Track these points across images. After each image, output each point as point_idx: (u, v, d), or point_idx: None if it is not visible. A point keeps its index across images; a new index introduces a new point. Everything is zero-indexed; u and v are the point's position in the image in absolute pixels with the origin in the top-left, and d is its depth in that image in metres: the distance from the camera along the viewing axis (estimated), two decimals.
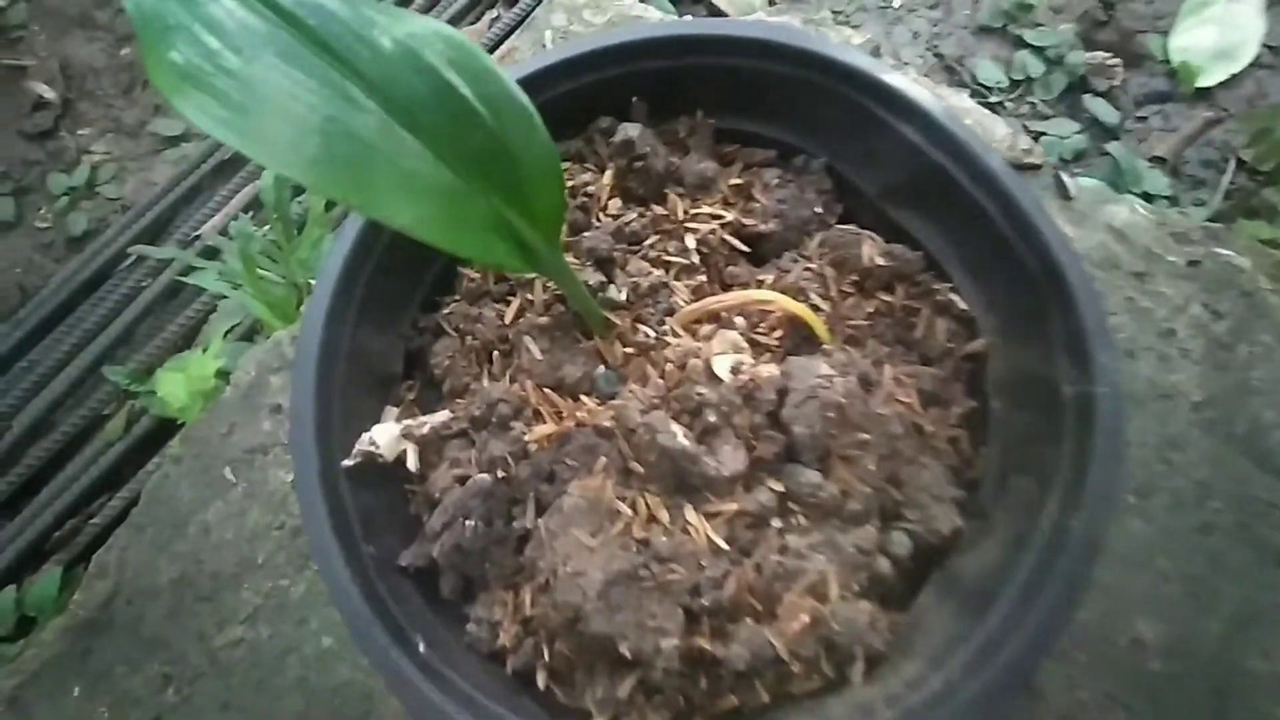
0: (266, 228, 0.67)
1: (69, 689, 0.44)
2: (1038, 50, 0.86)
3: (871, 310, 0.27)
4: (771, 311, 0.27)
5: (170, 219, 0.75)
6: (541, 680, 0.22)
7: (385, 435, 0.24)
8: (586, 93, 0.27)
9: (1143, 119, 0.86)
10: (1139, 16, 0.91)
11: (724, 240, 0.27)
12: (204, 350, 0.55)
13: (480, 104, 0.18)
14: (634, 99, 0.28)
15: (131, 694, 0.43)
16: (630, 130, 0.26)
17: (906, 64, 0.90)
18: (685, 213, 0.27)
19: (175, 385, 0.52)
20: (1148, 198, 0.79)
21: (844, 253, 0.27)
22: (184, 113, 0.16)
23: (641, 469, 0.24)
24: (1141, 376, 0.40)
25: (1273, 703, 0.34)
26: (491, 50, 0.70)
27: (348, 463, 0.23)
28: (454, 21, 0.80)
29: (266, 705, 0.42)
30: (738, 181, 0.28)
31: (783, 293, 0.27)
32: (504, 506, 0.24)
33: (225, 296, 0.60)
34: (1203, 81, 0.84)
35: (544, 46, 0.55)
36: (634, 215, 0.27)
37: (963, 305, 0.26)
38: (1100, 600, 0.36)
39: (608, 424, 0.24)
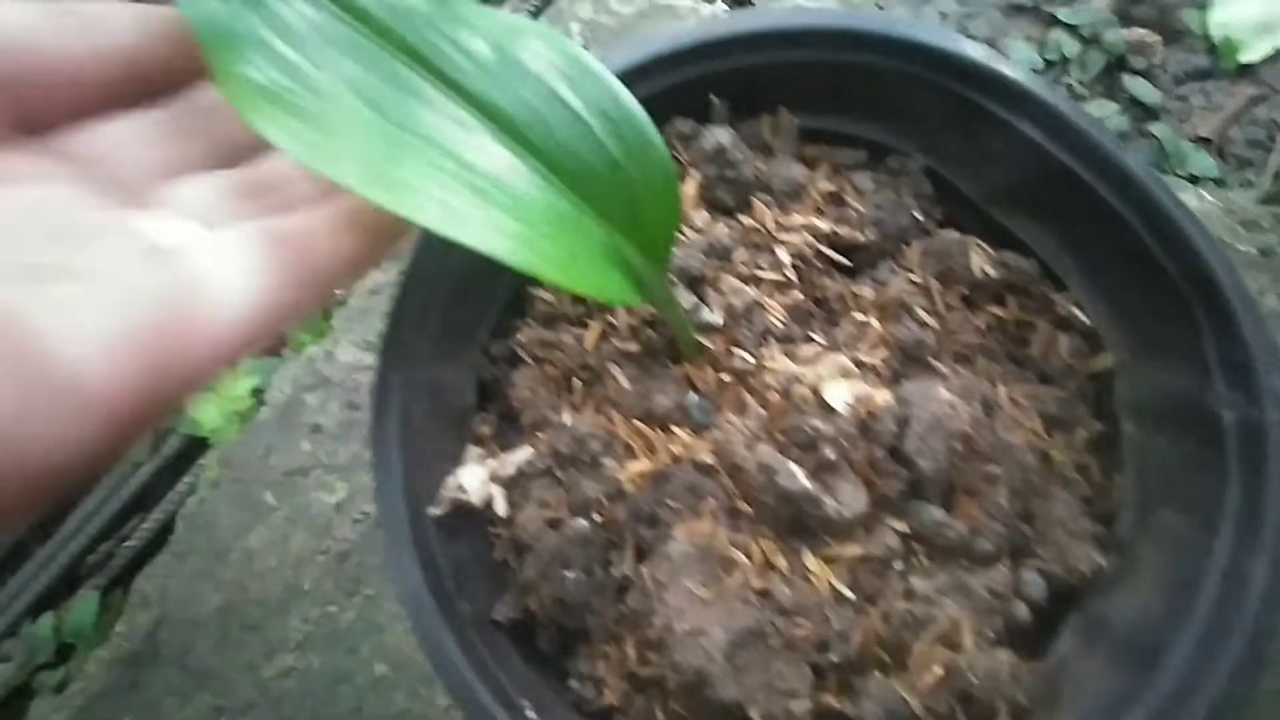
0: None
1: None
2: (1072, 28, 0.83)
3: (981, 325, 0.25)
4: (870, 327, 0.25)
5: None
6: None
7: (472, 479, 0.22)
8: (662, 94, 0.25)
9: (1183, 98, 0.83)
10: None
11: (819, 253, 0.25)
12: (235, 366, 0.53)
13: (591, 117, 0.16)
14: (713, 98, 0.26)
15: None
16: (721, 136, 0.24)
17: None
18: (776, 223, 0.25)
19: (207, 405, 0.51)
20: (1194, 180, 0.76)
21: (949, 263, 0.25)
22: (268, 137, 0.14)
23: (751, 509, 0.22)
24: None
25: None
26: None
27: (436, 512, 0.21)
28: None
29: None
30: (830, 188, 0.26)
31: (883, 308, 0.25)
32: (601, 552, 0.22)
33: None
34: (1245, 57, 0.81)
35: (572, 40, 0.53)
36: (722, 228, 0.25)
37: (1085, 318, 0.24)
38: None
39: (708, 460, 0.22)
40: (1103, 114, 0.79)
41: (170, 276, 0.14)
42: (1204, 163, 0.77)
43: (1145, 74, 0.81)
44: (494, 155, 0.15)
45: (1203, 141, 0.79)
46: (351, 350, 0.48)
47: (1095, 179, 0.22)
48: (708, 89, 0.25)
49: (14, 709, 0.55)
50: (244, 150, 0.16)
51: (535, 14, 0.60)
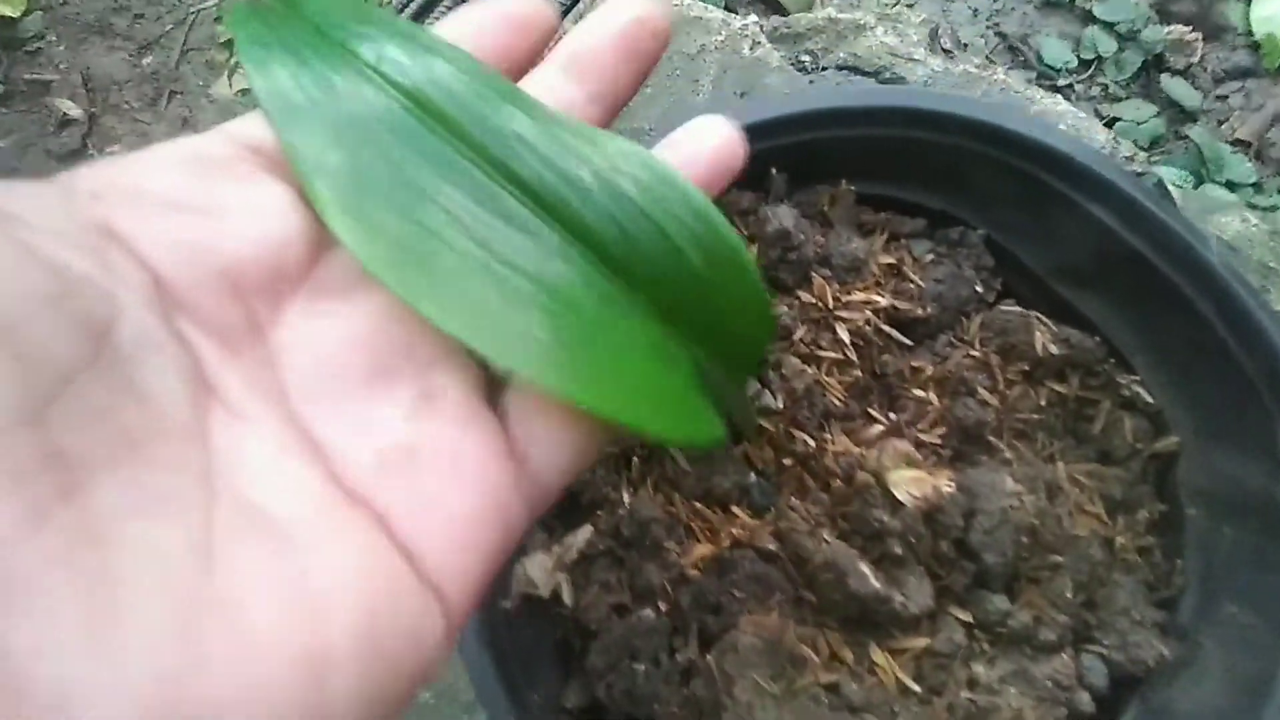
0: None
1: None
2: (1108, 25, 0.81)
3: (1042, 402, 0.25)
4: (930, 404, 0.25)
5: None
6: None
7: (538, 569, 0.22)
8: None
9: (1223, 98, 0.80)
10: None
11: (879, 329, 0.25)
12: None
13: (686, 243, 0.16)
14: (773, 171, 0.25)
15: None
16: (784, 219, 0.24)
17: (965, 44, 0.85)
18: (835, 299, 0.25)
19: None
20: (1231, 186, 0.74)
21: (1010, 339, 0.25)
22: (341, 235, 0.13)
23: (815, 599, 0.22)
24: None
25: None
26: None
27: (507, 605, 0.22)
28: None
29: None
30: (889, 261, 0.26)
31: (942, 383, 0.25)
32: (666, 639, 0.22)
33: None
34: None
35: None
36: (783, 307, 0.24)
37: (1149, 398, 0.24)
38: None
39: (770, 545, 0.23)
40: (1139, 116, 0.77)
41: (502, 439, 0.13)
42: (1241, 167, 0.75)
43: (1184, 74, 0.79)
44: (595, 291, 0.15)
45: (1241, 145, 0.78)
46: None
47: (1170, 268, 0.22)
48: (767, 163, 0.25)
49: None
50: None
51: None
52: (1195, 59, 0.80)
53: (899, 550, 0.21)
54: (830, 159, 0.25)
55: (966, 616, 0.22)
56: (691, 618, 0.22)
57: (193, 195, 0.13)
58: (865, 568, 0.20)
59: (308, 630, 0.10)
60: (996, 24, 0.85)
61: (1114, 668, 0.22)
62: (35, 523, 0.09)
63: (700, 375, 0.17)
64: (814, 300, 0.25)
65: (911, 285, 0.26)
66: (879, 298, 0.25)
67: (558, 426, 0.14)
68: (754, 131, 0.24)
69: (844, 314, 0.25)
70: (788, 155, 0.25)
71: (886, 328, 0.25)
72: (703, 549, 0.23)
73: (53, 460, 0.09)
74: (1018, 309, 0.25)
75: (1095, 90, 0.81)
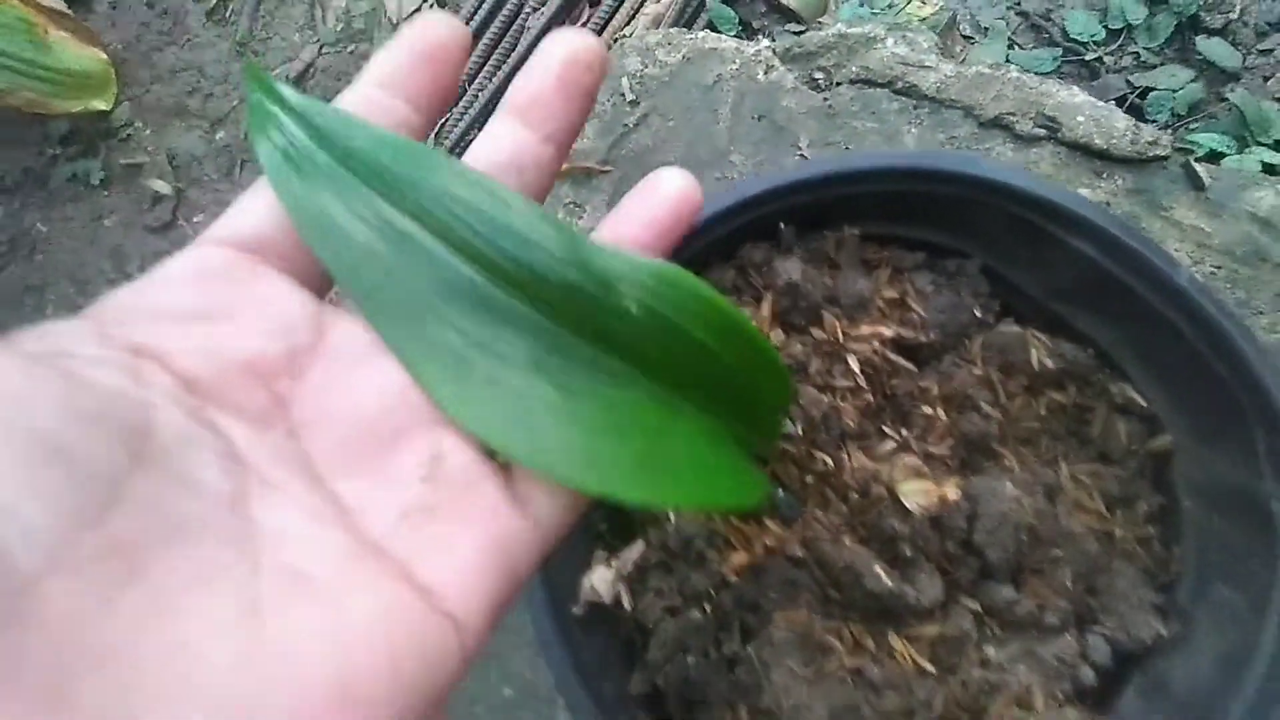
0: None
1: None
2: None
3: (1043, 411, 0.27)
4: (938, 420, 0.28)
5: None
6: None
7: (601, 581, 0.27)
8: (738, 229, 0.28)
9: (1267, 52, 0.77)
10: None
11: (886, 357, 0.28)
12: None
13: (720, 348, 0.18)
14: (782, 225, 0.29)
15: None
16: (792, 272, 0.27)
17: (986, 29, 0.84)
18: (844, 334, 0.28)
19: None
20: (1278, 147, 0.72)
21: (1009, 356, 0.27)
22: (452, 412, 0.14)
23: (839, 596, 0.25)
24: None
25: None
26: None
27: (577, 611, 0.26)
28: (514, 68, 0.81)
29: None
30: (893, 294, 0.29)
31: (949, 399, 0.28)
32: (713, 635, 0.26)
33: None
34: None
35: (622, 95, 0.56)
36: (797, 345, 0.28)
37: (1143, 403, 0.26)
38: None
39: (799, 553, 0.26)
40: (1175, 83, 0.75)
41: (505, 492, 0.14)
42: None
43: (1221, 32, 0.76)
44: (657, 402, 0.16)
45: None
46: None
47: (1148, 291, 0.24)
48: (778, 218, 0.28)
49: None
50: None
51: None
52: (1234, 15, 0.77)
53: (909, 552, 0.24)
54: (837, 210, 0.29)
55: (975, 605, 0.25)
56: (733, 616, 0.26)
57: (201, 305, 0.14)
58: (879, 569, 0.24)
59: (346, 665, 0.12)
60: (1017, 3, 0.84)
61: (1115, 646, 0.25)
62: (110, 603, 0.10)
63: (742, 446, 0.20)
64: (825, 336, 0.28)
65: (915, 315, 0.29)
66: (885, 329, 0.28)
67: (554, 483, 0.15)
68: (764, 198, 0.27)
69: (853, 346, 0.28)
70: (797, 211, 0.28)
71: (894, 355, 0.28)
72: (739, 557, 0.27)
73: (115, 550, 0.10)
74: (1015, 328, 0.28)
75: (1126, 60, 0.79)
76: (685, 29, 0.70)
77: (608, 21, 0.80)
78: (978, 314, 0.28)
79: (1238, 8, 0.78)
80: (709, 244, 0.28)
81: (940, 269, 0.29)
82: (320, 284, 0.16)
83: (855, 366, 0.28)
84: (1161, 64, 0.78)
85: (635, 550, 0.28)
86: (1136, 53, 0.80)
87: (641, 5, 0.79)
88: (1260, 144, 0.71)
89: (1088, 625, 0.25)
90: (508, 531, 0.14)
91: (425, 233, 0.15)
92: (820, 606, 0.25)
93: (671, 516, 0.28)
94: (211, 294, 0.14)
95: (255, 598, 0.12)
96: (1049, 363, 0.27)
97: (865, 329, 0.28)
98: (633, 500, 0.15)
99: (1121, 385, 0.27)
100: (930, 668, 0.24)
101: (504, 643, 0.48)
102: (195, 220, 0.87)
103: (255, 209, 0.16)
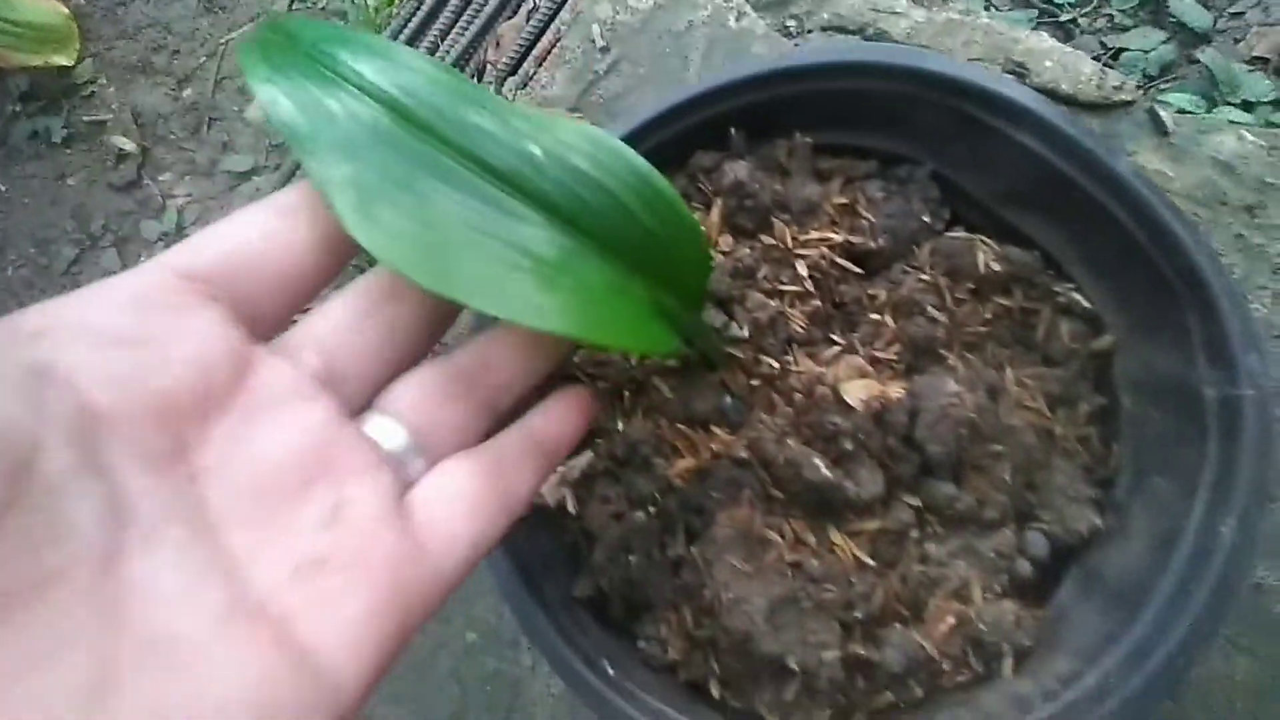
0: None
1: None
2: None
3: (989, 315, 0.27)
4: (885, 325, 0.28)
5: None
6: (715, 691, 0.25)
7: (546, 486, 0.26)
8: (686, 132, 0.28)
9: (1239, 14, 0.78)
10: None
11: (834, 263, 0.28)
12: None
13: (631, 200, 0.19)
14: (733, 130, 0.28)
15: None
16: (739, 171, 0.27)
17: None
18: (794, 239, 0.28)
19: None
20: (1248, 106, 0.72)
21: (957, 261, 0.27)
22: (362, 241, 0.16)
23: (782, 494, 0.25)
24: (1256, 319, 0.38)
25: None
26: (534, 42, 0.70)
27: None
28: (493, 16, 0.79)
29: (430, 694, 0.47)
30: (843, 201, 0.29)
31: (897, 307, 0.28)
32: (657, 538, 0.26)
33: None
34: None
35: (592, 42, 0.55)
36: (745, 250, 0.28)
37: (1086, 303, 0.26)
38: None
39: (743, 454, 0.26)
40: (1147, 44, 0.76)
41: (407, 541, 0.14)
42: (1259, 86, 0.73)
43: None
44: (557, 246, 0.18)
45: (1259, 62, 0.75)
46: None
47: (1090, 183, 0.24)
48: (727, 123, 0.28)
49: None
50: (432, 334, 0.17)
51: (550, 17, 0.62)
52: None
53: (850, 446, 0.24)
54: (785, 115, 0.28)
55: (916, 502, 0.25)
56: (678, 519, 0.26)
57: (129, 329, 0.14)
58: (819, 460, 0.24)
59: None
60: None
61: (1053, 540, 0.25)
62: None
63: (656, 305, 0.20)
64: (774, 242, 0.28)
65: (864, 221, 0.28)
66: (834, 235, 0.28)
67: (461, 522, 0.15)
68: (711, 97, 0.27)
69: (802, 251, 0.28)
70: (746, 115, 0.28)
71: (842, 261, 0.28)
72: (686, 462, 0.27)
73: None
74: (963, 234, 0.28)
75: (1101, 22, 0.80)
76: None
77: None
78: (927, 220, 0.28)
79: None
80: (659, 146, 0.27)
81: (891, 176, 0.29)
82: (268, 328, 0.16)
83: (804, 271, 0.28)
84: (1135, 25, 0.79)
85: (583, 459, 0.28)
86: (1110, 14, 0.80)
87: None
88: (1229, 104, 0.72)
89: (1026, 521, 0.25)
90: (405, 580, 0.14)
91: (359, 94, 0.17)
92: (763, 505, 0.25)
93: (620, 426, 0.28)
94: (142, 320, 0.14)
95: (111, 667, 0.11)
96: (995, 267, 0.27)
97: (814, 234, 0.28)
98: (543, 329, 0.16)
99: (1065, 286, 0.27)
100: (870, 562, 0.24)
101: (469, 588, 0.47)
102: (160, 178, 0.85)
103: (220, 238, 0.15)
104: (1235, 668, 0.35)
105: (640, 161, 0.19)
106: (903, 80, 0.26)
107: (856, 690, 0.24)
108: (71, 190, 0.87)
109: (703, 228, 0.20)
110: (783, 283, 0.28)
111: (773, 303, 0.27)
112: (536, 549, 0.26)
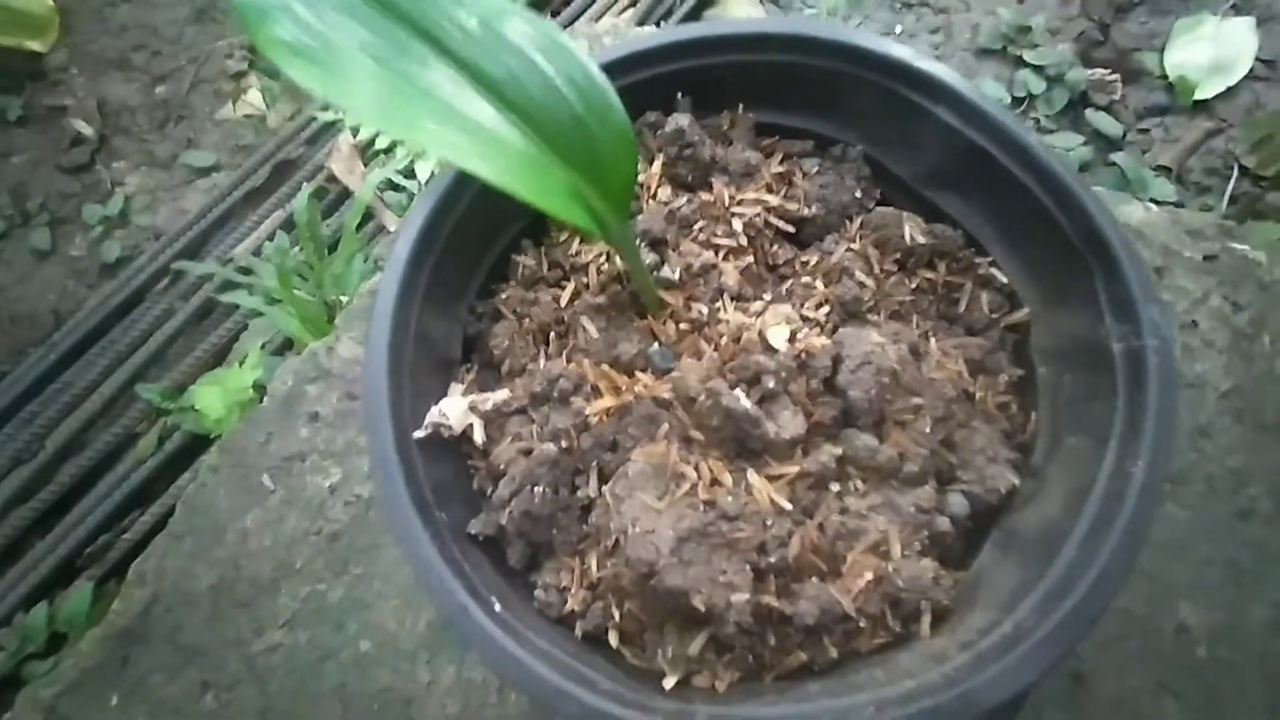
0: (297, 248, 0.69)
1: (107, 698, 0.43)
2: (1038, 69, 0.89)
3: (914, 287, 0.28)
4: (815, 288, 0.28)
5: (202, 244, 0.77)
6: (613, 640, 0.22)
7: (453, 409, 0.25)
8: (634, 89, 0.28)
9: (1145, 130, 0.88)
10: (1134, 36, 0.94)
11: (769, 223, 0.28)
12: (240, 364, 0.56)
13: (562, 83, 0.19)
14: (679, 94, 0.30)
15: (170, 702, 0.42)
16: (680, 120, 0.28)
17: None
18: (731, 198, 0.28)
19: (212, 397, 0.53)
20: (1156, 204, 0.80)
21: (886, 233, 0.28)
22: (299, 82, 0.17)
23: (702, 436, 0.24)
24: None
25: None
26: None
27: (419, 434, 0.24)
28: None
29: (305, 711, 0.41)
30: (779, 169, 0.30)
31: (827, 273, 0.28)
32: (568, 476, 0.24)
33: (259, 314, 0.61)
34: (1200, 94, 0.87)
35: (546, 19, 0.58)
36: (683, 201, 0.28)
37: (1003, 278, 0.27)
38: (1144, 586, 0.36)
39: (666, 395, 0.25)
40: (1068, 145, 0.84)
41: None
42: (1164, 188, 0.81)
43: (1108, 109, 0.87)
44: (479, 108, 0.19)
45: (1164, 170, 0.84)
46: (351, 345, 0.50)
47: (1000, 152, 0.25)
48: (674, 87, 0.29)
49: (3, 699, 0.56)
50: None
51: None
52: (1116, 97, 0.88)
53: (772, 385, 0.24)
54: (729, 88, 0.30)
55: (837, 451, 0.24)
56: (592, 457, 0.25)
57: None
58: (739, 392, 0.23)
59: None
60: None
61: (973, 499, 0.24)
62: None
63: (573, 188, 0.20)
64: (712, 199, 0.29)
65: (799, 190, 0.29)
66: (770, 197, 0.29)
67: None
68: (657, 52, 0.28)
69: (738, 210, 0.28)
70: (691, 80, 0.29)
71: (776, 221, 0.29)
72: (606, 402, 0.26)
73: None
74: (892, 209, 0.29)
75: (1028, 124, 0.89)
76: (640, 25, 0.74)
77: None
78: (858, 195, 0.29)
79: (1120, 92, 0.89)
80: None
81: (827, 154, 0.30)
82: None
83: (738, 227, 0.28)
84: (1058, 129, 0.88)
85: (500, 394, 0.26)
86: (1037, 118, 0.89)
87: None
88: (1139, 200, 0.80)
89: (948, 482, 0.25)
90: None
91: None
92: (681, 445, 0.24)
93: (542, 363, 0.27)
94: None
95: None
96: (921, 238, 0.28)
97: (751, 195, 0.28)
98: (475, 173, 0.17)
99: (984, 261, 0.28)
100: (787, 506, 0.23)
101: (366, 591, 0.43)
102: (114, 165, 0.83)
103: None
104: (1164, 711, 0.34)
105: (580, 53, 0.20)
106: (832, 55, 0.27)
107: (767, 648, 0.22)
108: (13, 168, 0.84)
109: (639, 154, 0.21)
110: (718, 237, 0.28)
111: (707, 254, 0.27)
112: (434, 475, 0.24)
